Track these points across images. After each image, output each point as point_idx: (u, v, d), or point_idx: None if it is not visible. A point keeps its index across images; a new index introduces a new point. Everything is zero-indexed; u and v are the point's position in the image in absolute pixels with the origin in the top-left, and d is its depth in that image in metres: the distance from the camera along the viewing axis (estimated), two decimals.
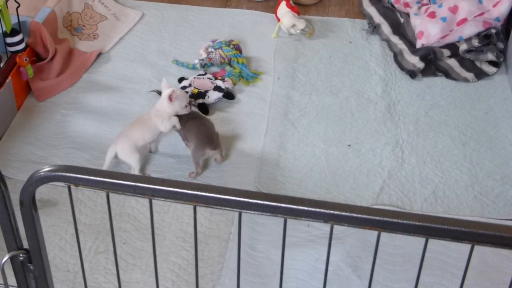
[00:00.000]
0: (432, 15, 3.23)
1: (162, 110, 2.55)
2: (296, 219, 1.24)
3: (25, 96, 2.91)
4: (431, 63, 3.15)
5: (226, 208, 1.26)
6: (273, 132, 2.78)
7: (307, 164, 2.64)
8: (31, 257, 1.44)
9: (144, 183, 1.27)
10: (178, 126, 2.56)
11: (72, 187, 1.30)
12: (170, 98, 2.52)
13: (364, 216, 1.21)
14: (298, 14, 3.36)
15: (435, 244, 1.41)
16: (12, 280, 1.52)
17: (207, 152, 2.52)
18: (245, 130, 2.79)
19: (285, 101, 2.95)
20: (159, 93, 2.91)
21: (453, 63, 3.16)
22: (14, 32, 2.76)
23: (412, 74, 3.09)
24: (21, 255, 1.44)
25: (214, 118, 2.81)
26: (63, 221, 2.35)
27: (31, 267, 1.46)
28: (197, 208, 1.31)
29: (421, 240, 1.24)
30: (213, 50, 3.11)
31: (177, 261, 2.23)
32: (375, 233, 1.26)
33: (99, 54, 3.20)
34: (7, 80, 2.72)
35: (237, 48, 3.16)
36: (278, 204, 1.23)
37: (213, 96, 2.89)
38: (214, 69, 3.13)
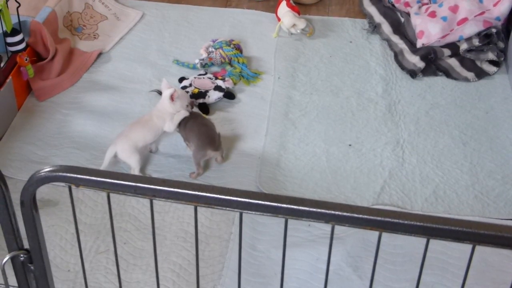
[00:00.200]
0: (433, 14, 3.23)
1: (164, 110, 2.55)
2: (297, 219, 1.24)
3: (25, 96, 2.91)
4: (432, 62, 3.14)
5: (227, 209, 1.26)
6: (273, 131, 2.78)
7: (308, 163, 2.64)
8: (32, 257, 1.44)
9: (145, 184, 1.27)
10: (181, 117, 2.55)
11: (73, 187, 1.30)
12: (171, 98, 2.52)
13: (365, 216, 1.21)
14: (299, 14, 3.36)
15: (435, 244, 1.41)
16: (12, 280, 1.52)
17: (208, 153, 2.52)
18: (246, 130, 2.79)
19: (286, 101, 2.95)
20: (160, 93, 2.91)
21: (453, 62, 3.16)
22: (14, 31, 2.76)
23: (413, 73, 3.09)
24: (21, 255, 1.44)
25: (215, 118, 2.81)
26: (64, 221, 2.35)
27: (32, 267, 1.46)
28: (198, 208, 1.31)
29: (422, 240, 1.24)
30: (213, 50, 3.11)
31: (177, 261, 2.23)
32: (376, 233, 1.25)
33: (100, 54, 3.20)
34: (8, 80, 2.72)
35: (238, 48, 3.15)
36: (279, 205, 1.23)
37: (213, 96, 2.89)
38: (214, 69, 3.13)
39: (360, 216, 1.21)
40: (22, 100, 2.88)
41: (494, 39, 3.12)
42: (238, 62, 3.10)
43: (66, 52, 3.11)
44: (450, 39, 3.18)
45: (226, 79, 2.97)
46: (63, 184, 1.30)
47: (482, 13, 3.14)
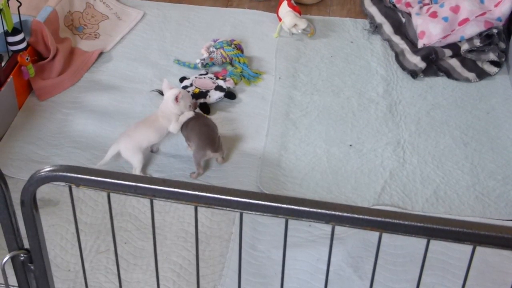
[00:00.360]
0: (434, 15, 3.23)
1: (168, 111, 2.55)
2: (297, 220, 1.24)
3: (26, 95, 2.91)
4: (433, 63, 3.14)
5: (227, 209, 1.26)
6: (274, 132, 2.78)
7: (309, 164, 2.63)
8: (32, 257, 1.44)
9: (145, 184, 1.27)
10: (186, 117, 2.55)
11: (73, 186, 1.30)
12: (176, 99, 2.52)
13: (365, 217, 1.21)
14: (300, 14, 3.36)
15: (436, 244, 1.41)
16: (12, 280, 1.52)
17: (208, 153, 2.52)
18: (247, 130, 2.79)
19: (287, 101, 2.95)
20: (161, 92, 2.91)
21: (454, 63, 3.16)
22: (15, 31, 2.76)
23: (414, 74, 3.09)
24: (22, 255, 1.44)
25: (216, 117, 2.81)
26: (64, 220, 2.35)
27: (32, 267, 1.46)
28: (198, 208, 1.31)
29: (422, 240, 1.24)
30: (214, 49, 3.11)
31: (178, 261, 2.23)
32: (377, 233, 1.25)
33: (101, 54, 3.20)
34: (9, 79, 2.72)
35: (239, 48, 3.15)
36: (280, 205, 1.23)
37: (214, 95, 2.89)
38: (215, 68, 3.13)
39: (361, 216, 1.21)
40: (23, 100, 2.88)
41: (495, 40, 3.12)
42: (239, 62, 3.10)
43: (67, 52, 3.11)
44: (451, 39, 3.18)
45: (227, 79, 2.97)
46: (63, 183, 1.30)
47: (483, 13, 3.14)
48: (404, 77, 3.11)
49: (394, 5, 3.48)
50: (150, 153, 2.65)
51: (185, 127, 2.58)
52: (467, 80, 3.08)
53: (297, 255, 2.22)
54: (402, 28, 3.35)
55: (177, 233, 2.33)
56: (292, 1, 3.41)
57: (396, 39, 3.31)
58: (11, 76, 2.74)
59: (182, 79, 3.00)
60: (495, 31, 3.11)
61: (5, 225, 1.39)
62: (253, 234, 2.32)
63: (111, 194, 1.33)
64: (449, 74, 3.11)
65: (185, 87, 2.91)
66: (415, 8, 3.37)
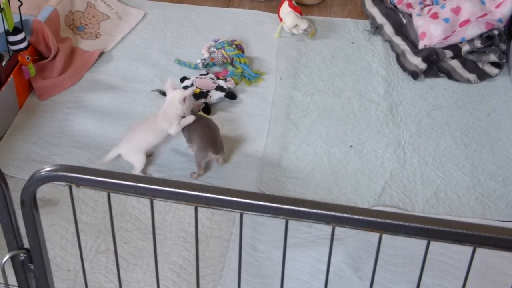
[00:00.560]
0: (435, 16, 3.23)
1: (171, 112, 2.53)
2: (297, 220, 1.24)
3: (27, 94, 2.91)
4: (434, 64, 3.14)
5: (228, 209, 1.26)
6: (275, 132, 2.78)
7: (309, 164, 2.63)
8: (32, 257, 1.44)
9: (145, 184, 1.27)
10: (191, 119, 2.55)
11: (73, 186, 1.30)
12: (184, 100, 2.50)
13: (365, 218, 1.21)
14: (301, 14, 3.36)
15: (436, 245, 1.41)
16: (12, 279, 1.52)
17: (209, 155, 2.51)
18: (247, 130, 2.79)
19: (287, 101, 2.95)
20: (161, 92, 2.91)
21: (455, 64, 3.16)
22: (16, 30, 2.76)
23: (415, 75, 3.09)
24: (21, 254, 1.44)
25: (216, 118, 2.81)
26: (64, 220, 2.35)
27: (32, 267, 1.45)
28: (198, 208, 1.31)
29: (423, 241, 1.24)
30: (215, 50, 3.11)
31: (178, 261, 2.23)
32: (377, 234, 1.25)
33: (101, 53, 3.20)
34: (9, 79, 2.72)
35: (239, 48, 3.15)
36: (280, 206, 1.23)
37: (215, 96, 2.88)
38: (216, 69, 3.13)
39: (361, 217, 1.21)
40: (24, 99, 2.88)
41: (496, 41, 3.12)
42: (240, 62, 3.10)
43: (68, 51, 3.11)
44: (452, 40, 3.18)
45: (228, 79, 2.97)
46: (63, 183, 1.30)
47: (484, 15, 3.14)
48: (404, 78, 3.11)
49: (395, 6, 3.48)
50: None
51: (187, 128, 2.57)
52: (468, 81, 3.08)
53: (297, 255, 2.22)
54: (403, 29, 3.35)
55: (177, 233, 2.32)
56: (293, 2, 3.41)
57: (397, 40, 3.31)
58: (11, 76, 2.74)
59: (183, 79, 3.00)
60: (496, 32, 3.11)
61: (5, 224, 1.39)
62: (253, 234, 2.31)
63: (111, 194, 1.33)
64: (450, 75, 3.11)
65: (185, 87, 2.91)
66: (416, 9, 3.37)
